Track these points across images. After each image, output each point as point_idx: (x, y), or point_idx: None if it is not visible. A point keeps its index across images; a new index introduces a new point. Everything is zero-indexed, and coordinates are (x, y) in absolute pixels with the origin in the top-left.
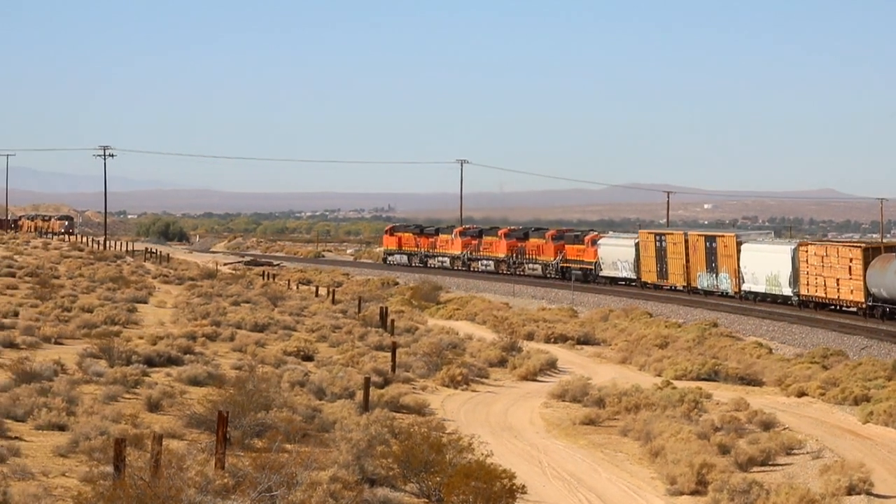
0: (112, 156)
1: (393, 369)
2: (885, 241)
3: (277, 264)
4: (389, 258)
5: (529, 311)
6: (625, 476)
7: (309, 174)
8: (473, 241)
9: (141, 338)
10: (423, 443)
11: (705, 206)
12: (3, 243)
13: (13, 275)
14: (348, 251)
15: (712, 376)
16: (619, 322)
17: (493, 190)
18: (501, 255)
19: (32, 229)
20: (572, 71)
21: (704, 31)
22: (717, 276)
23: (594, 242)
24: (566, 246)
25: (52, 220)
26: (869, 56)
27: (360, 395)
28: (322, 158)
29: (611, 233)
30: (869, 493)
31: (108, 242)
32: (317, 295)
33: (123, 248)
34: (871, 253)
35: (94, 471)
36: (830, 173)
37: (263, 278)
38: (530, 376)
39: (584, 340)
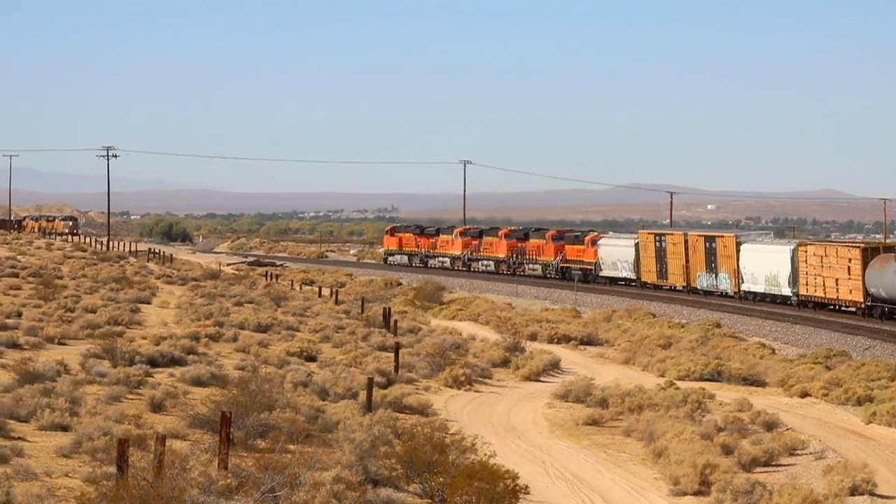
0: (115, 156)
1: (396, 370)
2: (885, 241)
3: (280, 265)
4: (390, 258)
5: (532, 312)
6: (628, 476)
7: (312, 174)
8: (474, 242)
9: (144, 338)
10: (426, 443)
11: (708, 206)
12: (7, 244)
13: (16, 275)
14: (351, 252)
15: (715, 377)
16: (623, 322)
17: (496, 190)
18: (502, 255)
19: (37, 230)
20: (576, 71)
21: (707, 31)
22: (716, 277)
23: (594, 243)
24: (566, 246)
25: (57, 220)
26: (872, 56)
27: (363, 396)
28: (325, 159)
29: (611, 233)
30: (872, 494)
31: (111, 243)
32: (320, 295)
33: (126, 249)
34: (869, 253)
35: (97, 471)
36: (833, 174)
37: (266, 279)
38: (533, 377)
39: (588, 341)
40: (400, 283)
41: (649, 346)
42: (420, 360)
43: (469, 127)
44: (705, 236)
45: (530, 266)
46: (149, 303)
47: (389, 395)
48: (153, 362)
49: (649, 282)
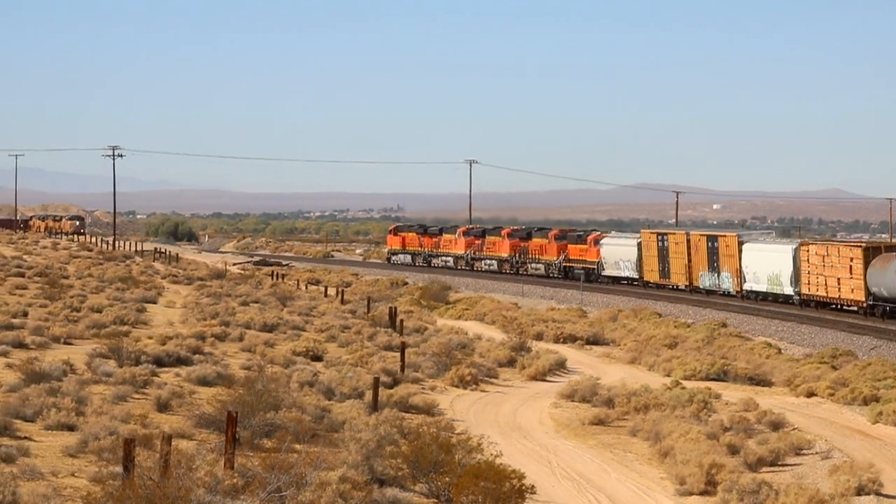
0: (121, 156)
1: (402, 369)
2: (890, 241)
3: (286, 264)
4: (393, 258)
5: (538, 312)
6: (634, 476)
7: (318, 174)
8: (477, 241)
9: (150, 338)
10: (432, 443)
11: (714, 206)
12: (13, 243)
13: (22, 275)
14: (357, 251)
15: (721, 376)
16: (628, 322)
17: (501, 190)
18: (505, 254)
19: (43, 229)
20: (582, 71)
21: (713, 31)
22: (718, 276)
23: (597, 242)
24: (569, 246)
25: (64, 220)
26: (878, 56)
27: (369, 396)
28: (331, 159)
29: (613, 232)
30: (878, 494)
31: (117, 242)
32: (326, 295)
33: (132, 249)
34: (871, 252)
35: (103, 471)
36: (839, 173)
37: (272, 278)
38: (539, 376)
39: (594, 340)
40: (406, 283)
41: (655, 346)
42: (426, 359)
43: (475, 127)
44: (707, 236)
45: (533, 265)
46: (155, 302)
47: (395, 394)
48: (159, 362)
49: (652, 281)
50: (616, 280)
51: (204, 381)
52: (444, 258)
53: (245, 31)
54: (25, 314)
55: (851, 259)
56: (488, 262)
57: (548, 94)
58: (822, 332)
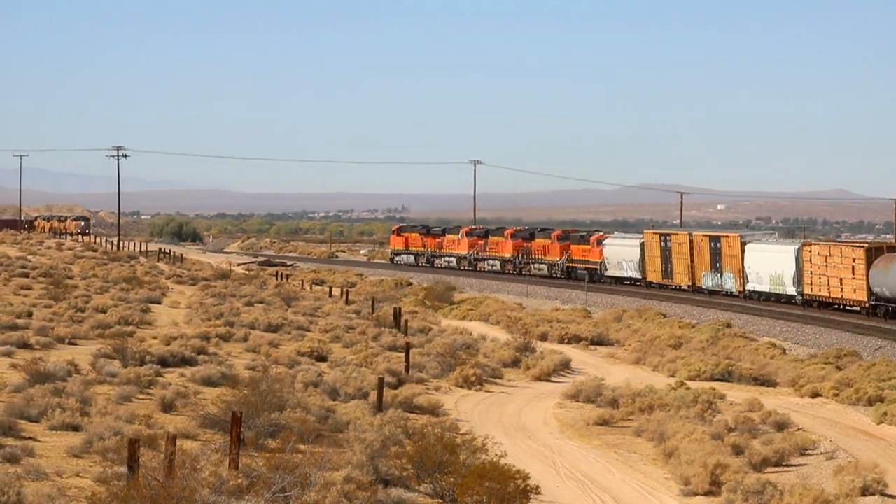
0: (125, 156)
1: (407, 370)
2: (894, 241)
3: (291, 265)
4: (396, 258)
5: (543, 312)
6: (638, 476)
7: (322, 174)
8: (480, 242)
9: (154, 338)
10: (436, 443)
11: (718, 206)
12: (17, 243)
13: (27, 275)
14: (361, 252)
15: (726, 377)
16: (633, 323)
17: (506, 190)
18: (507, 255)
19: (48, 230)
20: (586, 72)
21: (717, 31)
22: (721, 276)
23: (599, 242)
24: (572, 246)
25: (69, 220)
26: (882, 56)
27: (373, 396)
28: (336, 159)
29: (616, 233)
30: (883, 494)
31: (121, 243)
32: (330, 295)
33: (137, 249)
34: (873, 253)
35: (107, 471)
36: (844, 174)
37: (277, 279)
38: (544, 377)
39: (598, 341)
40: (410, 284)
41: (660, 347)
42: (431, 360)
43: (479, 127)
44: (710, 236)
45: (536, 266)
46: (159, 303)
47: (400, 395)
48: (164, 362)
49: (654, 281)
50: (619, 280)
51: (208, 382)
52: (447, 258)
53: (249, 31)
54: (30, 314)
55: (854, 259)
56: (491, 262)
57: (552, 94)
58: (827, 332)
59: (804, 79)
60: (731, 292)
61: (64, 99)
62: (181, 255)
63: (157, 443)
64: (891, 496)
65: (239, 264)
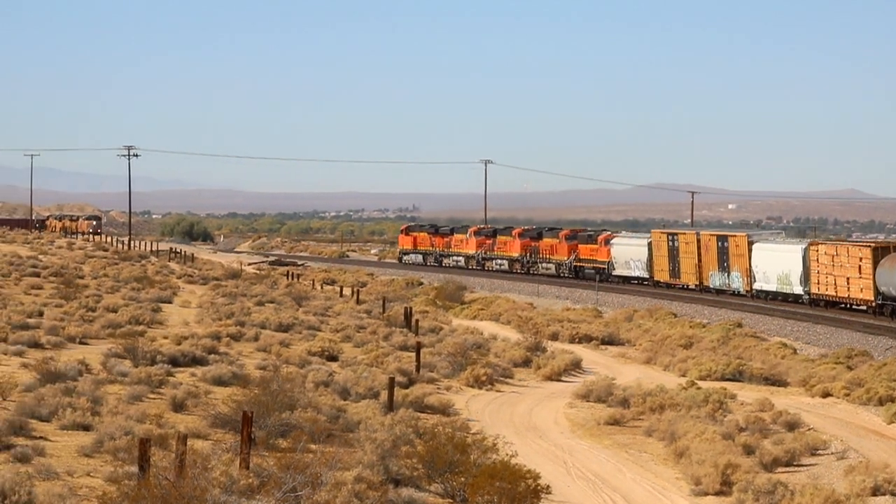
0: (136, 156)
1: (417, 369)
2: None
3: (302, 264)
4: (405, 258)
5: (554, 312)
6: (649, 476)
7: (333, 174)
8: (488, 241)
9: (165, 338)
10: (447, 443)
11: (729, 206)
12: (28, 243)
13: (38, 275)
14: (372, 251)
15: (737, 377)
16: (644, 322)
17: (517, 190)
18: (515, 254)
19: (60, 229)
20: (598, 71)
21: (730, 31)
22: (728, 275)
23: (607, 242)
24: (579, 245)
25: (80, 220)
26: (894, 55)
27: (384, 396)
28: (346, 159)
29: (624, 232)
30: (894, 494)
31: (132, 242)
32: (341, 295)
33: (148, 248)
34: (880, 252)
35: (118, 471)
36: (855, 173)
37: (288, 278)
38: (555, 376)
39: (609, 341)
40: (421, 283)
41: (671, 346)
42: (441, 359)
43: (491, 127)
44: (718, 235)
45: (544, 265)
46: (170, 302)
47: (411, 394)
48: (175, 362)
49: (662, 280)
50: (626, 280)
51: (219, 381)
52: (455, 258)
53: (259, 30)
54: (41, 314)
55: (860, 259)
56: (499, 261)
57: (564, 94)
58: (838, 332)
59: (816, 79)
60: (739, 291)
61: (75, 98)
62: (192, 254)
63: (167, 442)
64: None
65: (250, 264)
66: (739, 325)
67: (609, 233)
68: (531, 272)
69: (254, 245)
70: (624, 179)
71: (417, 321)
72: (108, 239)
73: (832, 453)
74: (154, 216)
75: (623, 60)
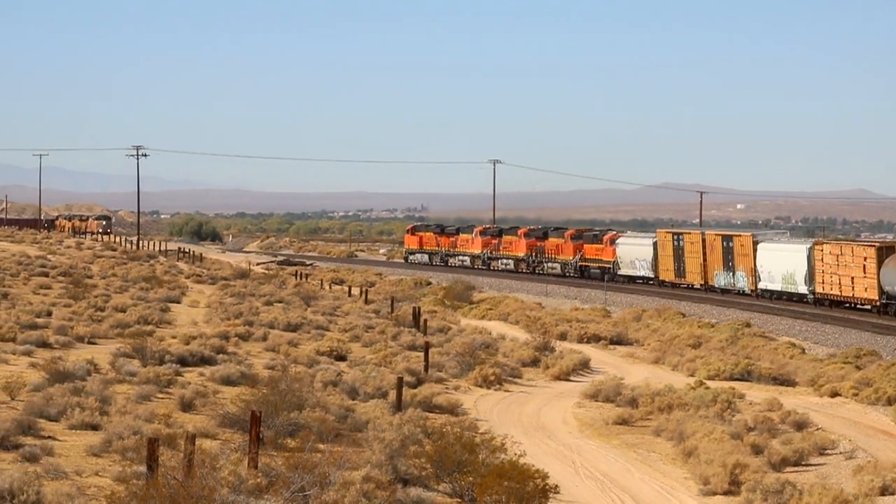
0: (145, 155)
1: (426, 369)
2: None
3: (310, 264)
4: (411, 257)
5: (562, 311)
6: (658, 476)
7: (342, 174)
8: (493, 241)
9: (174, 337)
10: (455, 443)
11: (738, 206)
12: (37, 243)
13: (46, 274)
14: (381, 251)
15: (745, 376)
16: (652, 322)
17: (525, 190)
18: (521, 254)
19: (70, 229)
20: (607, 71)
21: (740, 31)
22: (733, 275)
23: (612, 242)
24: (585, 245)
25: (91, 219)
26: None
27: (392, 395)
28: (355, 158)
29: (629, 232)
30: None
31: (140, 242)
32: (349, 295)
33: (156, 248)
34: (884, 252)
35: (127, 470)
36: (864, 173)
37: (296, 278)
38: (563, 376)
39: (617, 340)
40: (429, 283)
41: (679, 346)
42: (450, 359)
43: (499, 126)
44: (723, 235)
45: (549, 265)
46: (178, 302)
47: (419, 394)
48: (183, 361)
49: (667, 280)
50: (631, 279)
51: (228, 381)
52: (460, 258)
53: (269, 30)
54: (49, 314)
55: (865, 258)
56: (505, 261)
57: (573, 94)
58: (846, 332)
59: (826, 79)
60: (744, 291)
61: (83, 98)
62: (200, 254)
63: (176, 442)
64: None
65: (258, 264)
66: (748, 325)
67: (614, 232)
68: (536, 272)
69: (262, 245)
70: (633, 179)
71: (426, 321)
72: (117, 239)
73: (841, 453)
74: (163, 216)
75: (632, 60)
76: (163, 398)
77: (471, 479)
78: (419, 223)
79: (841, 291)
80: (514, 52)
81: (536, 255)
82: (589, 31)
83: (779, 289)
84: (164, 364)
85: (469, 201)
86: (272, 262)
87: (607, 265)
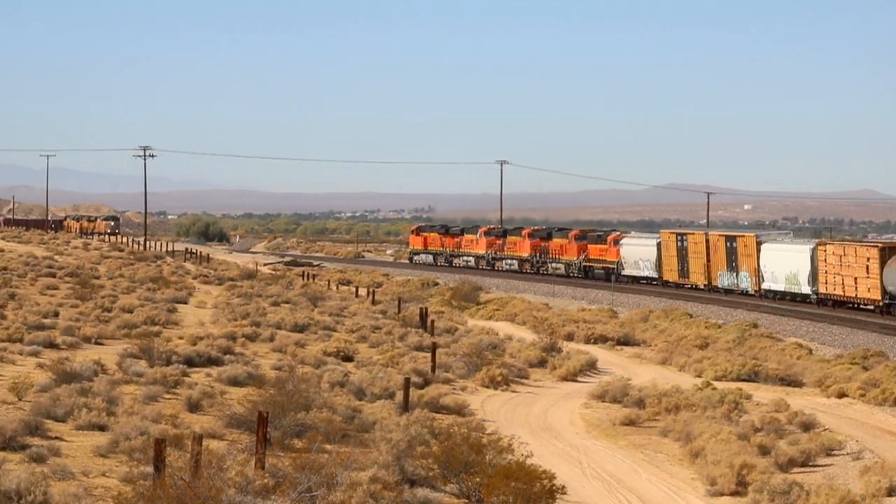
0: (152, 156)
1: (433, 370)
2: None
3: (317, 265)
4: (416, 258)
5: (569, 312)
6: (665, 477)
7: (349, 174)
8: (498, 241)
9: (181, 338)
10: (462, 443)
11: (745, 206)
12: (44, 243)
13: (53, 275)
14: (388, 252)
15: (752, 377)
16: (660, 323)
17: (532, 190)
18: (525, 254)
19: (77, 230)
20: (614, 72)
21: (749, 31)
22: (737, 275)
23: (616, 242)
24: (589, 246)
25: (98, 220)
26: None
27: (399, 396)
28: (362, 159)
29: (633, 233)
30: None
31: (148, 243)
32: (357, 295)
33: (163, 249)
34: (887, 252)
35: (134, 471)
36: (871, 174)
37: (303, 279)
38: (570, 377)
39: (624, 341)
40: (436, 284)
41: (686, 347)
42: (457, 360)
43: (506, 127)
44: (726, 236)
45: (553, 265)
46: (186, 303)
47: (426, 395)
48: (190, 362)
49: (671, 280)
50: (635, 280)
51: (235, 382)
52: (465, 258)
53: (276, 30)
54: (56, 314)
55: (868, 259)
56: (509, 261)
57: (580, 95)
58: (853, 332)
59: (833, 79)
60: (747, 291)
61: (90, 99)
62: (208, 254)
63: (183, 442)
64: None
65: (265, 264)
66: (755, 326)
67: (618, 233)
68: (540, 272)
69: (269, 245)
70: (640, 180)
71: (433, 321)
72: (124, 239)
73: (848, 454)
74: (170, 216)
75: (639, 61)
76: (170, 399)
77: (478, 479)
78: (424, 224)
79: (844, 292)
80: (522, 53)
81: (540, 256)
82: (597, 32)
83: (782, 289)
84: (171, 365)
85: (476, 202)
86: (279, 262)
87: (611, 265)
